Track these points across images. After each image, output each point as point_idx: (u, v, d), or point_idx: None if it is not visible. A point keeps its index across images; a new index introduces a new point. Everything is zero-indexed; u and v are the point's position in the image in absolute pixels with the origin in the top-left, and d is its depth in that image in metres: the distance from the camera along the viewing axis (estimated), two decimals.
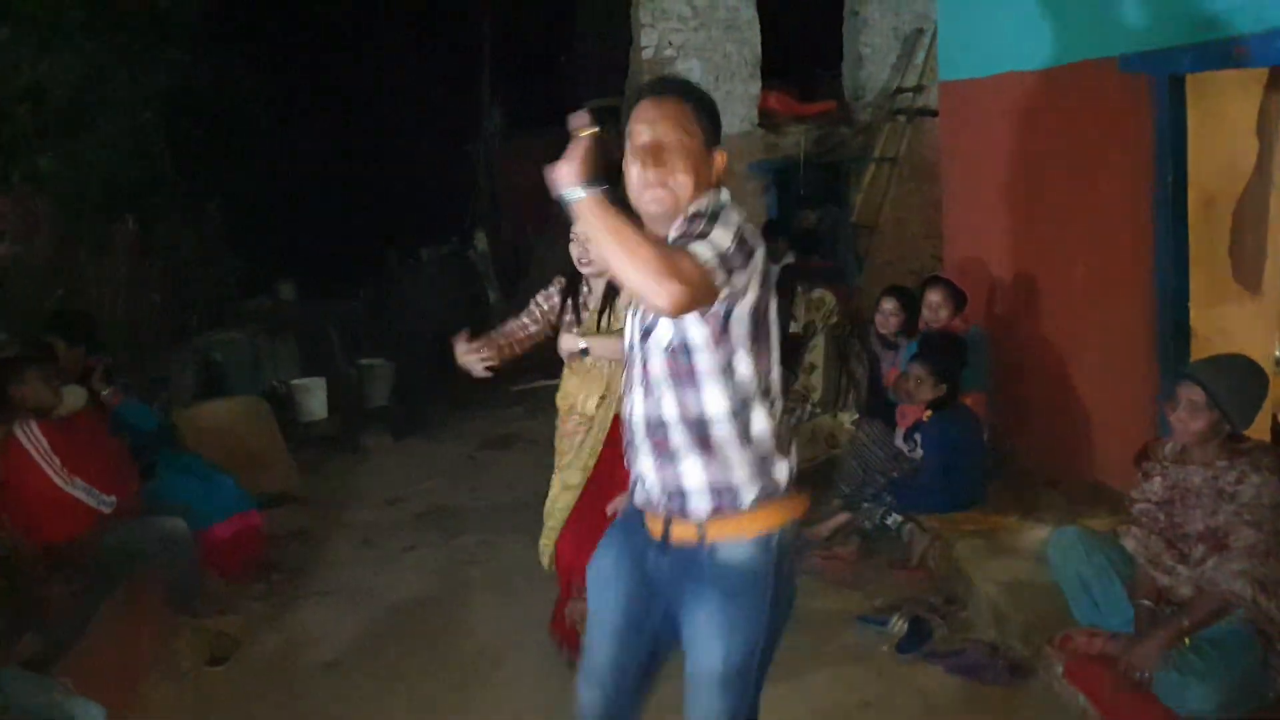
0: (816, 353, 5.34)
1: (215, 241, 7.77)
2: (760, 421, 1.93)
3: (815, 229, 7.34)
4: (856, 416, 5.07)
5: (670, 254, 1.70)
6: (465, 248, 9.13)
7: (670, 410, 1.93)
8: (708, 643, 1.97)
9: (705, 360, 1.89)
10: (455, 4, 11.11)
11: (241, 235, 8.23)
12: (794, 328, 5.60)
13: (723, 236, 1.79)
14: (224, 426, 5.65)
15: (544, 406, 7.29)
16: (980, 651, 3.47)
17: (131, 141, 6.76)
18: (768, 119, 7.88)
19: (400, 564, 4.87)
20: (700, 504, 1.93)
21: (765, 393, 1.94)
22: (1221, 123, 3.79)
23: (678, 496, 1.95)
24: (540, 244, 8.53)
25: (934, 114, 6.49)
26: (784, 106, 7.91)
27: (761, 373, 1.92)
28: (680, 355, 1.90)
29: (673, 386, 1.92)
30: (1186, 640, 2.78)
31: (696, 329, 1.88)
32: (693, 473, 1.93)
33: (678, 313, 1.71)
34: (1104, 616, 3.06)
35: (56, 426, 3.74)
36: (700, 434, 1.91)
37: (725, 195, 1.94)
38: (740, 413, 1.91)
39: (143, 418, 4.76)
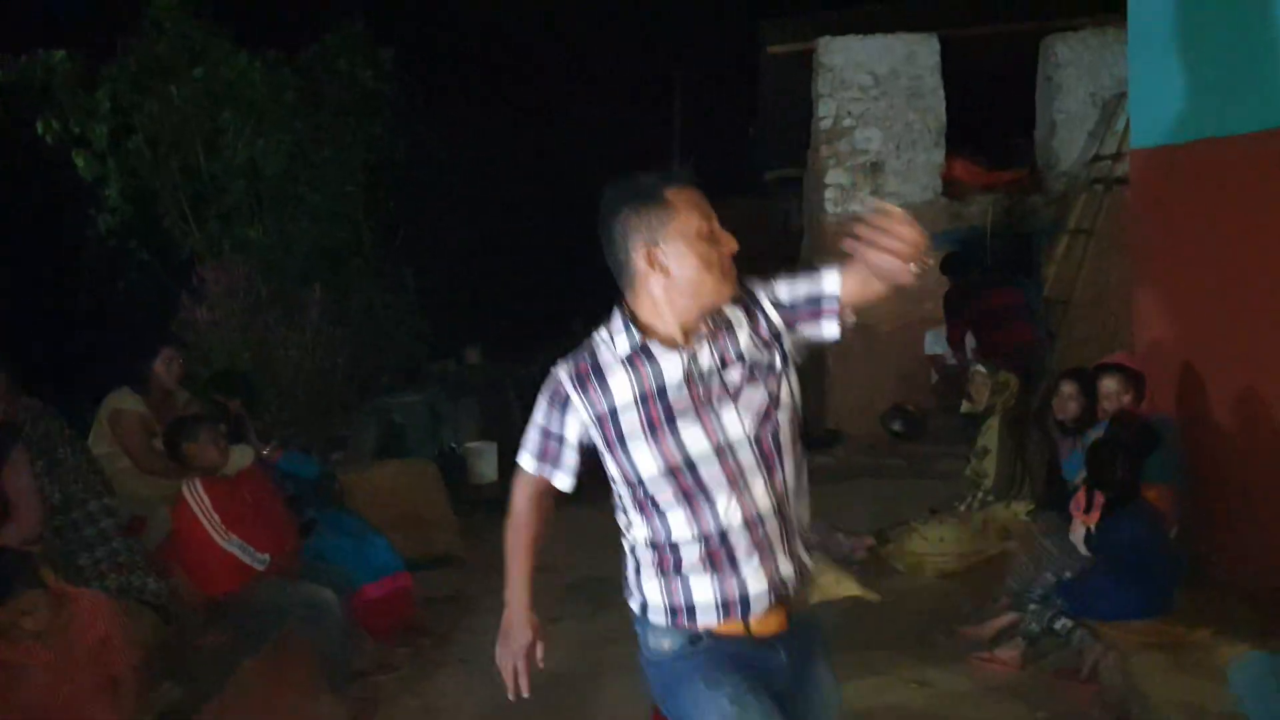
0: (990, 436, 4.99)
1: (408, 306, 8.19)
2: None
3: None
4: (1031, 508, 4.67)
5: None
6: None
7: (790, 479, 1.90)
8: (834, 693, 2.02)
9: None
10: (646, 77, 11.42)
11: (433, 300, 8.65)
12: (967, 408, 5.26)
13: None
14: (392, 488, 5.86)
15: None
16: None
17: (334, 212, 7.27)
18: (953, 188, 7.56)
19: (547, 634, 4.83)
20: (805, 583, 1.97)
21: None
22: None
23: (804, 568, 1.94)
24: None
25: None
26: (970, 175, 7.58)
27: None
28: (796, 415, 1.93)
29: (789, 451, 1.90)
30: None
31: (796, 378, 1.93)
32: (804, 535, 1.95)
33: None
34: None
35: (221, 485, 3.97)
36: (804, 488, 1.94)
37: None
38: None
39: (304, 467, 5.02)
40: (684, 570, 1.90)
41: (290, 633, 3.93)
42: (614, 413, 1.88)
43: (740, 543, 1.86)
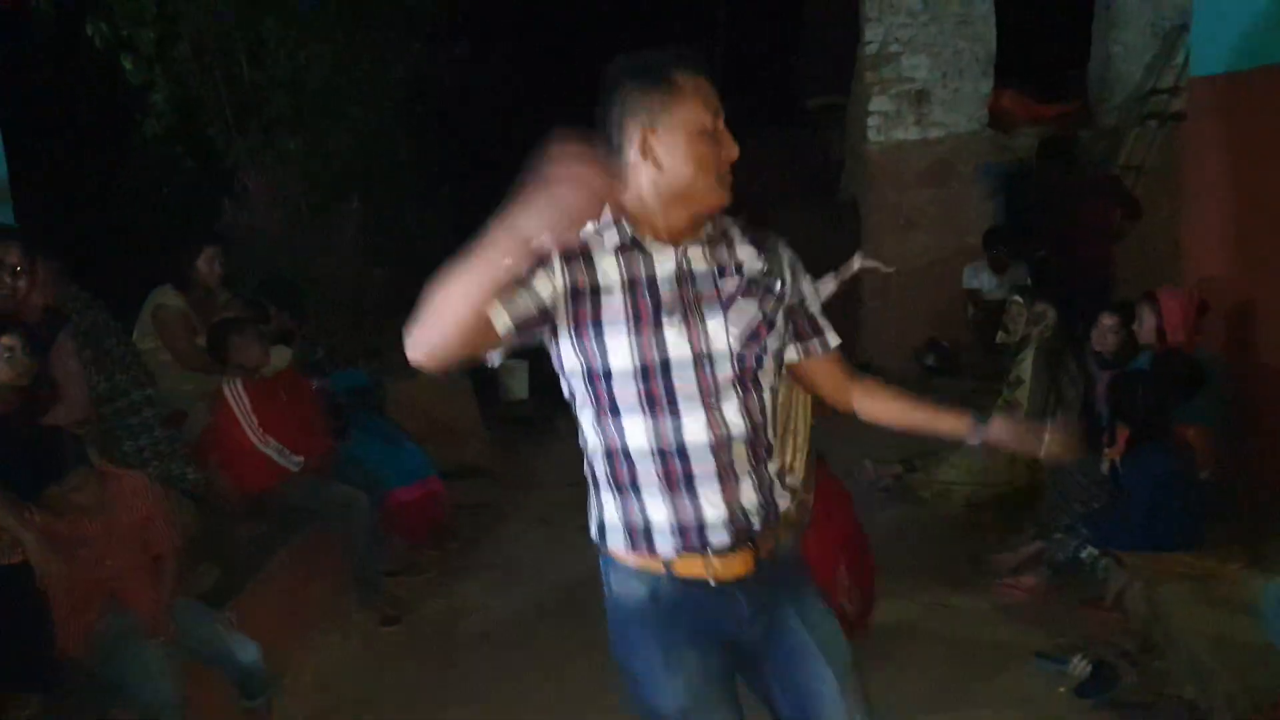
0: (1024, 366, 4.94)
1: (443, 224, 8.18)
2: None
3: (1041, 245, 6.76)
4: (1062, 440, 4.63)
5: None
6: None
7: (769, 408, 1.75)
8: (836, 636, 1.81)
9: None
10: (688, 3, 11.18)
11: (468, 220, 8.61)
12: (1003, 339, 5.20)
13: None
14: (427, 399, 5.93)
15: None
16: (1172, 709, 3.06)
17: (373, 128, 7.23)
18: (999, 120, 7.38)
19: (572, 545, 4.90)
20: (783, 502, 1.81)
21: None
22: None
23: (773, 507, 1.76)
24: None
25: (1183, 117, 5.84)
26: (1019, 107, 7.38)
27: None
28: (781, 351, 1.82)
29: (771, 379, 1.77)
30: None
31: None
32: (772, 470, 1.78)
33: None
34: None
35: (259, 386, 4.04)
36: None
37: None
38: None
39: (355, 379, 5.11)
40: (639, 484, 1.69)
41: (322, 529, 4.03)
42: (595, 291, 1.63)
43: (701, 465, 1.67)
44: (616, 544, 1.74)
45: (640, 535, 1.71)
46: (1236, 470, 4.14)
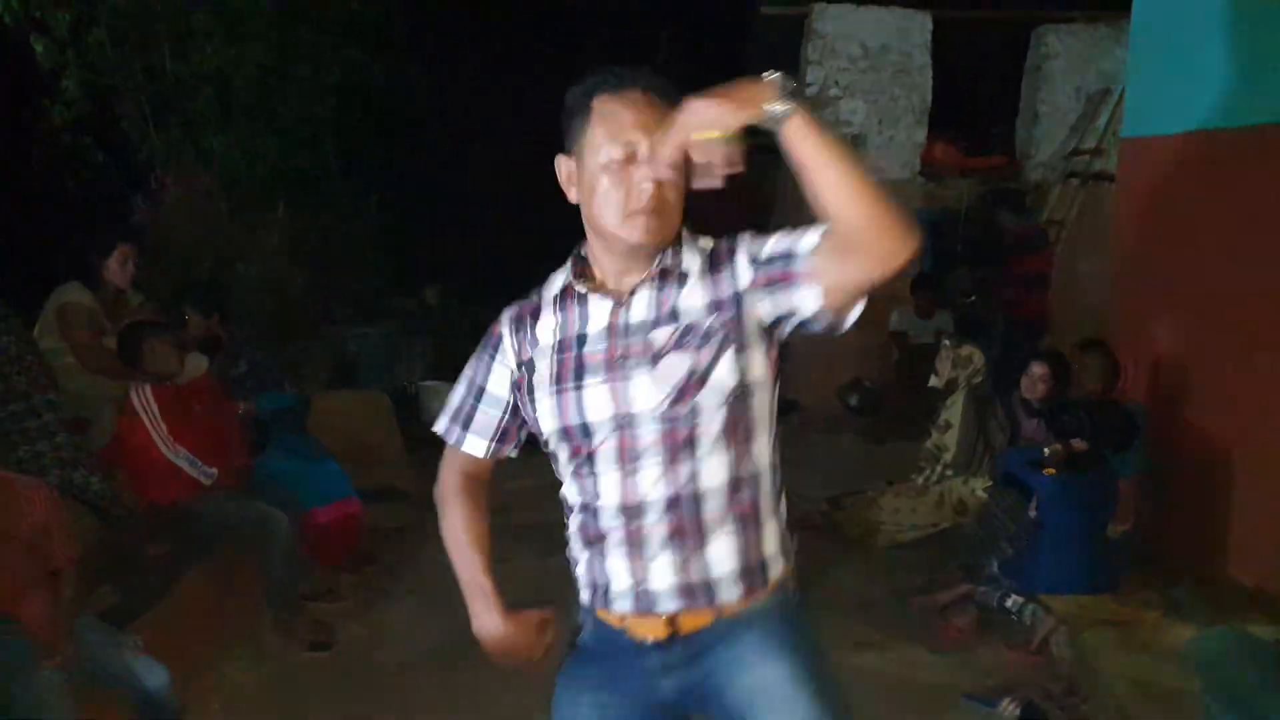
0: (954, 411, 4.99)
1: (370, 238, 7.99)
2: (778, 476, 1.67)
3: (971, 291, 6.92)
4: (989, 484, 4.69)
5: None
6: None
7: (705, 477, 1.56)
8: (791, 697, 1.61)
9: (763, 402, 1.60)
10: (631, 31, 11.22)
11: (395, 236, 8.44)
12: (934, 383, 5.26)
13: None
14: (345, 417, 5.73)
15: None
16: None
17: (303, 133, 7.03)
18: (931, 169, 7.56)
19: (494, 572, 4.76)
20: (730, 594, 1.61)
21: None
22: None
23: (701, 591, 1.60)
24: None
25: (1112, 179, 6.06)
26: (949, 158, 7.57)
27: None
28: (740, 402, 1.56)
29: (715, 443, 1.56)
30: None
31: (760, 360, 1.57)
32: (725, 555, 1.59)
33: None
34: None
35: (170, 393, 3.82)
36: (743, 501, 1.59)
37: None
38: (778, 467, 1.66)
39: (282, 401, 4.90)
40: (571, 534, 1.72)
41: (235, 549, 3.82)
42: (531, 361, 1.64)
43: (611, 530, 1.60)
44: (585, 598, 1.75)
45: (583, 585, 1.73)
46: (1152, 521, 4.23)
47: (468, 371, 1.75)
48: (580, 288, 1.62)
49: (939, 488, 4.84)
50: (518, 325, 1.68)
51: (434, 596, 4.41)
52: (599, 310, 1.60)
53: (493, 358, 1.70)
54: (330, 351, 6.78)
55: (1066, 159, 7.46)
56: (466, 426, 1.75)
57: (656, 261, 1.58)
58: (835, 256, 1.43)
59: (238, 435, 4.19)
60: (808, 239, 1.47)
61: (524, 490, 5.94)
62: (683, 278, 1.58)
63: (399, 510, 5.50)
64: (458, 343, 8.24)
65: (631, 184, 1.52)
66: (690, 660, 1.64)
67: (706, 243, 1.63)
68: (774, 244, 1.52)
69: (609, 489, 1.58)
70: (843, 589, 4.44)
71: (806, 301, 1.48)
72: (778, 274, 1.50)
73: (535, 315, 1.66)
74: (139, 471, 3.72)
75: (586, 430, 1.58)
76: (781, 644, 1.64)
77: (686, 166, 1.50)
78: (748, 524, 1.59)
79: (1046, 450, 3.94)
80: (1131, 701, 3.19)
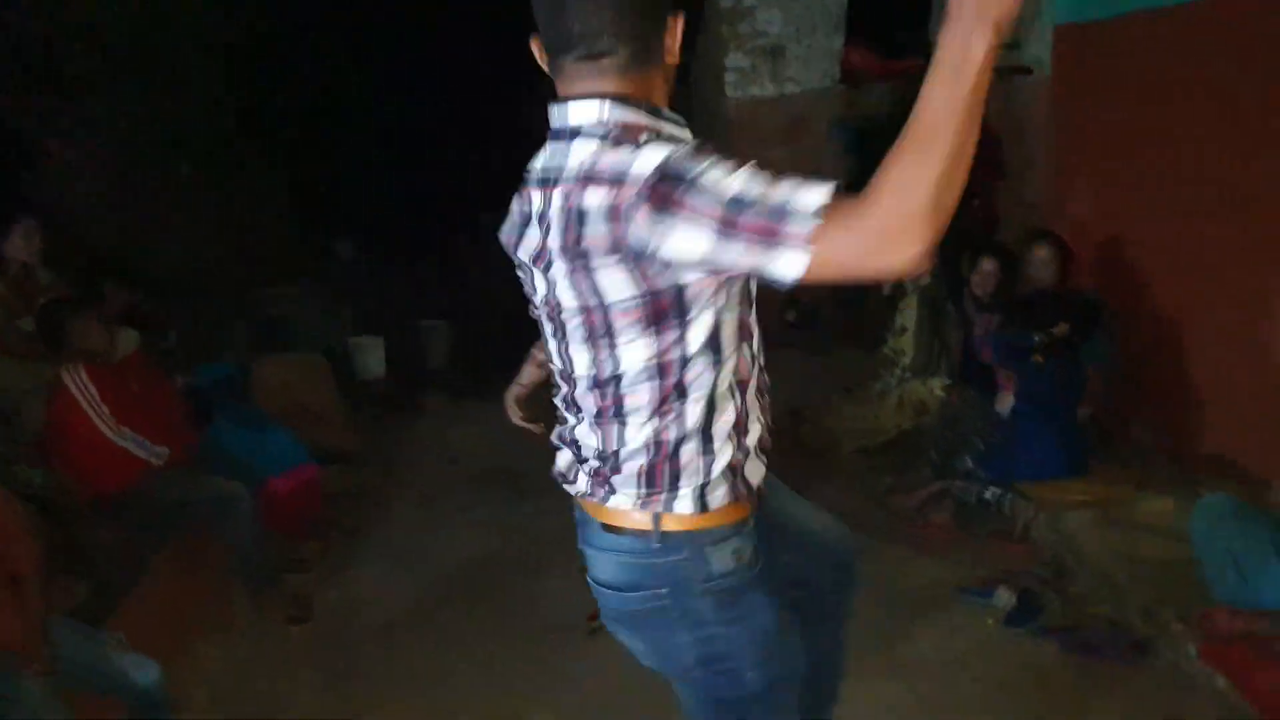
0: (908, 315, 5.00)
1: (276, 196, 7.60)
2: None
3: None
4: (948, 383, 4.74)
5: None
6: None
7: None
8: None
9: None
10: None
11: (304, 192, 8.06)
12: (888, 288, 5.26)
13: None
14: (283, 382, 5.48)
15: None
16: (1097, 628, 3.15)
17: (196, 92, 6.59)
18: (849, 76, 7.46)
19: (462, 524, 4.65)
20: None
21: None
22: None
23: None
24: None
25: (1027, 71, 6.06)
26: (867, 64, 7.46)
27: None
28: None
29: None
30: None
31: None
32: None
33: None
34: (1253, 594, 2.72)
35: (106, 373, 3.56)
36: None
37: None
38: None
39: (220, 370, 4.65)
40: (750, 414, 1.61)
41: (197, 528, 3.62)
42: None
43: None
44: (721, 500, 1.54)
45: (739, 477, 1.57)
46: (1113, 403, 4.32)
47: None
48: None
49: (898, 390, 4.87)
50: None
51: (403, 557, 4.30)
52: None
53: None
54: (254, 316, 6.46)
55: None
56: None
57: None
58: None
59: (180, 410, 3.96)
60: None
61: (471, 438, 5.88)
62: None
63: (349, 473, 5.32)
64: (378, 296, 7.99)
65: None
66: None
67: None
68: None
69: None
70: (817, 499, 4.44)
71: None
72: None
73: None
74: (82, 460, 3.47)
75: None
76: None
77: None
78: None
79: (1036, 338, 3.95)
80: (1118, 573, 3.28)
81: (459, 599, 3.87)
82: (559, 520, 4.67)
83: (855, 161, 7.48)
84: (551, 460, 1.74)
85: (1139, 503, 3.66)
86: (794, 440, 5.19)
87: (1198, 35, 3.86)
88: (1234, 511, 2.73)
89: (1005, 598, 3.33)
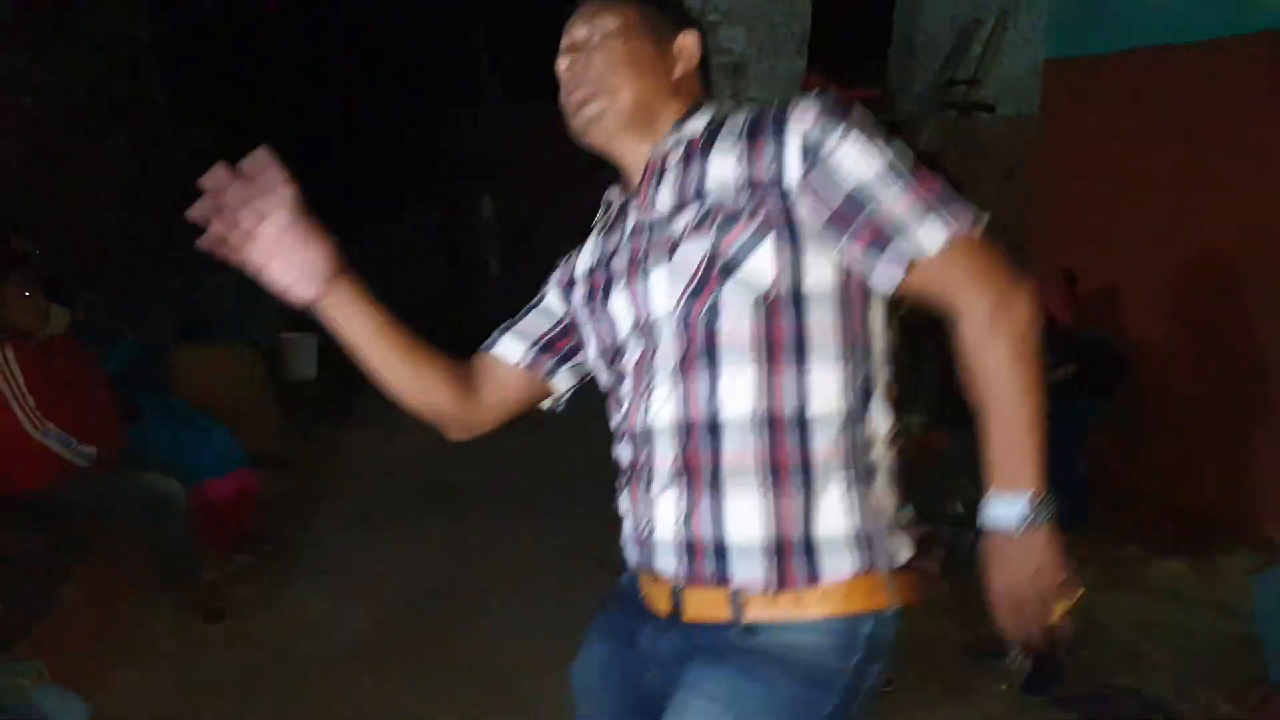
0: None
1: (203, 171, 7.02)
2: (881, 430, 1.26)
3: None
4: (926, 420, 4.56)
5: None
6: (468, 212, 8.48)
7: (737, 404, 1.17)
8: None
9: (829, 324, 1.18)
10: None
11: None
12: None
13: (884, 150, 1.15)
14: (208, 375, 4.99)
15: None
16: (1124, 699, 2.97)
17: (118, 56, 6.03)
18: None
19: (405, 543, 4.24)
20: (747, 570, 1.18)
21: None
22: None
23: (706, 553, 1.19)
24: (549, 215, 7.92)
25: (989, 109, 6.03)
26: (826, 89, 7.37)
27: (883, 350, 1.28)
28: (784, 311, 1.17)
29: (740, 355, 1.17)
30: None
31: (824, 266, 1.17)
32: (746, 515, 1.18)
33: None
34: None
35: (35, 355, 3.06)
36: (782, 447, 1.17)
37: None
38: (857, 416, 1.22)
39: (130, 351, 4.14)
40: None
41: (124, 532, 3.14)
42: (572, 281, 1.43)
43: (625, 461, 1.30)
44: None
45: None
46: (1114, 458, 4.20)
47: None
48: (611, 197, 1.39)
49: None
50: (565, 261, 1.47)
51: (346, 581, 3.88)
52: (631, 215, 1.32)
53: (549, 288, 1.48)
54: (176, 299, 5.89)
55: (941, 90, 7.41)
56: (505, 331, 1.46)
57: (658, 144, 1.29)
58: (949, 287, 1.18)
59: (111, 404, 3.46)
60: (929, 236, 1.13)
61: (412, 449, 5.46)
62: (707, 147, 1.23)
63: (280, 479, 4.85)
64: None
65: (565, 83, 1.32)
66: (679, 658, 1.23)
67: (738, 110, 1.28)
68: (865, 185, 1.14)
69: (628, 411, 1.27)
70: None
71: (880, 276, 1.16)
72: (864, 226, 1.13)
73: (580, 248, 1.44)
74: None
75: (619, 351, 1.29)
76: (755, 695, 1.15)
77: (630, 26, 1.29)
78: (786, 481, 1.16)
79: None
80: (1141, 642, 3.12)
81: (407, 629, 3.48)
82: (504, 540, 4.31)
83: None
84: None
85: (1149, 564, 3.53)
86: None
87: (1194, 73, 3.79)
88: None
89: (1019, 661, 3.12)
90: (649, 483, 1.23)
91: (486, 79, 9.53)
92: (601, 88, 1.26)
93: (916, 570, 2.72)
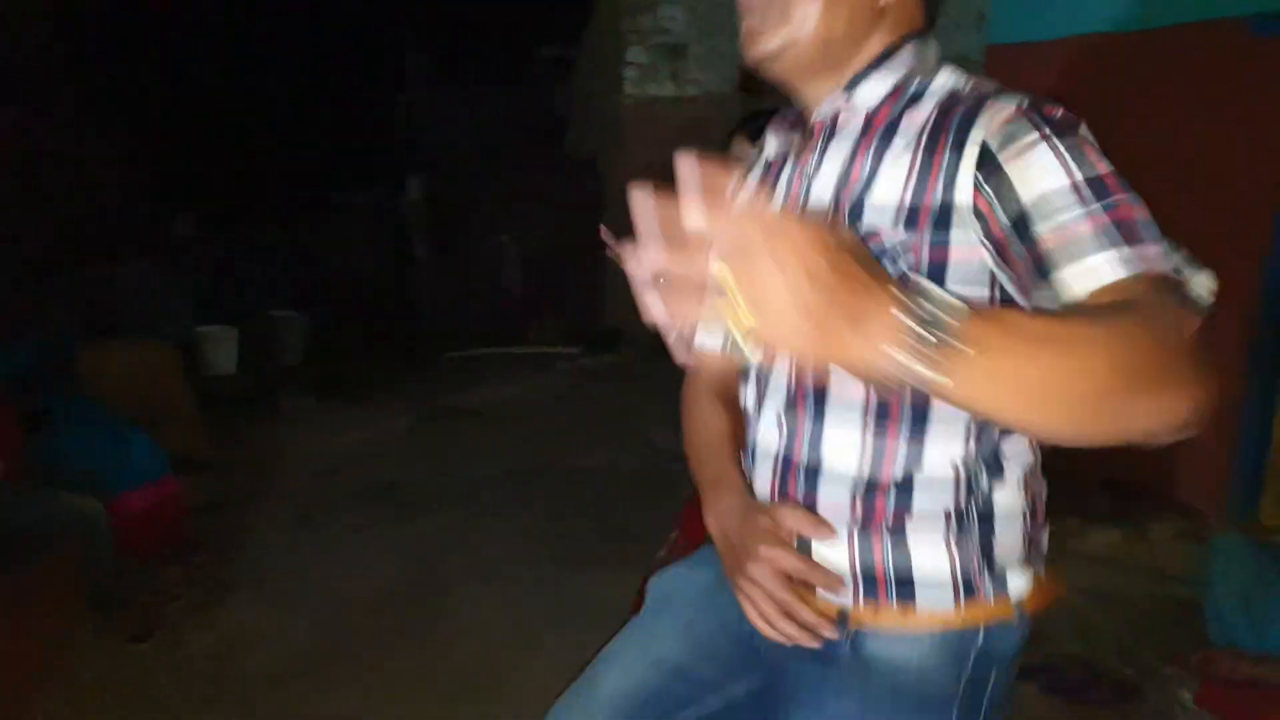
0: None
1: (108, 155, 6.68)
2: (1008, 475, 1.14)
3: None
4: None
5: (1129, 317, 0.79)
6: (396, 196, 8.25)
7: (840, 457, 1.11)
8: None
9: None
10: None
11: (141, 153, 7.15)
12: None
13: (1102, 164, 0.93)
14: (122, 371, 4.73)
15: (484, 377, 6.62)
16: (1076, 669, 3.00)
17: (11, 25, 5.66)
18: (745, 83, 7.31)
19: (350, 546, 4.10)
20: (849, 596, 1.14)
21: None
22: None
23: (817, 578, 1.14)
24: (481, 198, 7.75)
25: None
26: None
27: None
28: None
29: (861, 425, 1.09)
30: None
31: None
32: (934, 555, 1.11)
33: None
34: (1257, 638, 2.62)
35: None
36: (887, 510, 1.10)
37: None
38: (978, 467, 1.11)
39: (32, 352, 3.88)
40: None
41: (43, 555, 2.94)
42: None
43: (750, 472, 1.23)
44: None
45: None
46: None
47: None
48: (779, 129, 1.24)
49: None
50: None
51: (288, 589, 3.71)
52: (791, 163, 1.19)
53: None
54: (83, 293, 5.59)
55: None
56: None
57: (831, 98, 1.11)
58: None
59: (7, 411, 3.24)
60: (1100, 268, 0.88)
61: (349, 447, 5.29)
62: (889, 136, 1.06)
63: (207, 484, 4.65)
64: (225, 279, 7.19)
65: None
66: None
67: (952, 79, 1.08)
68: (1044, 201, 0.92)
69: (750, 421, 1.21)
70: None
71: (1021, 295, 0.97)
72: (1022, 258, 0.94)
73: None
74: None
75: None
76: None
77: None
78: (901, 529, 1.10)
79: None
80: (1092, 613, 3.16)
81: (356, 639, 3.34)
82: (455, 541, 4.17)
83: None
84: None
85: (1088, 535, 3.59)
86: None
87: (1132, 61, 3.84)
88: (1251, 553, 2.63)
89: None
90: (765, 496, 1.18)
91: (416, 59, 9.28)
92: (785, 16, 1.07)
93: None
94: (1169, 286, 0.86)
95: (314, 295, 7.50)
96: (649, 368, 6.72)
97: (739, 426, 1.27)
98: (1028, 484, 1.13)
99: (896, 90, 1.09)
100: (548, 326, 7.21)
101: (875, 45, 1.09)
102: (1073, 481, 3.99)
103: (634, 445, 5.20)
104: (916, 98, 1.07)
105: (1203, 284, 0.90)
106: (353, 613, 3.51)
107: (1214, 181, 3.59)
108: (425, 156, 8.19)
